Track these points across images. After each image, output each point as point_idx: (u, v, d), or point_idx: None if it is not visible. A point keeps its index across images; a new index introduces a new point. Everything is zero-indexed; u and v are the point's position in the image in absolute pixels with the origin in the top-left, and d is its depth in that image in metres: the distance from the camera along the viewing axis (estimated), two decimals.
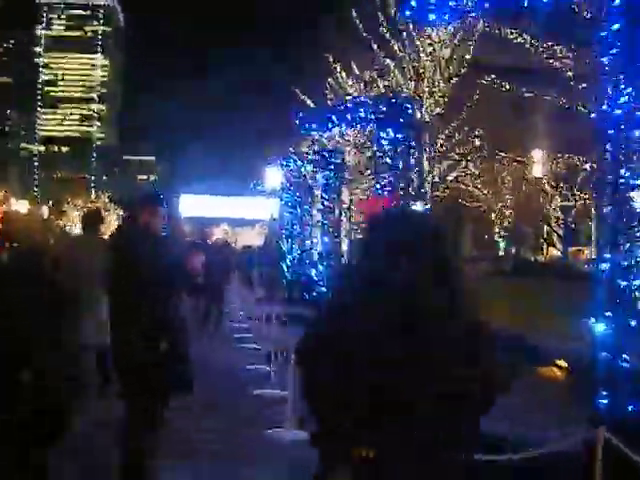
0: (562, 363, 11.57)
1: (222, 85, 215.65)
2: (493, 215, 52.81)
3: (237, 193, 46.03)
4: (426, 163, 28.47)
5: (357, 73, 36.87)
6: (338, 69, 38.17)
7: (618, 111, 5.39)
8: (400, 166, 11.81)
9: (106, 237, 8.07)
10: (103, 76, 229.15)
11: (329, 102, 39.39)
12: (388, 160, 11.77)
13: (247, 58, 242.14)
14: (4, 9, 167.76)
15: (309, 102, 40.19)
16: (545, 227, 52.34)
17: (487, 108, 31.89)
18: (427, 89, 30.25)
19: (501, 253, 56.21)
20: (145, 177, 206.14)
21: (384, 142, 11.83)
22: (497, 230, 55.46)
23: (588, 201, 45.78)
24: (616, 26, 5.36)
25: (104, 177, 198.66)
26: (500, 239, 56.93)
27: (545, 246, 55.35)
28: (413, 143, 12.27)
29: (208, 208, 40.96)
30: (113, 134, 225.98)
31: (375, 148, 12.73)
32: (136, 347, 4.93)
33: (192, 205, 41.14)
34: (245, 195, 44.36)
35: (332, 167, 17.37)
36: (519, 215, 50.42)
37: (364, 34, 30.88)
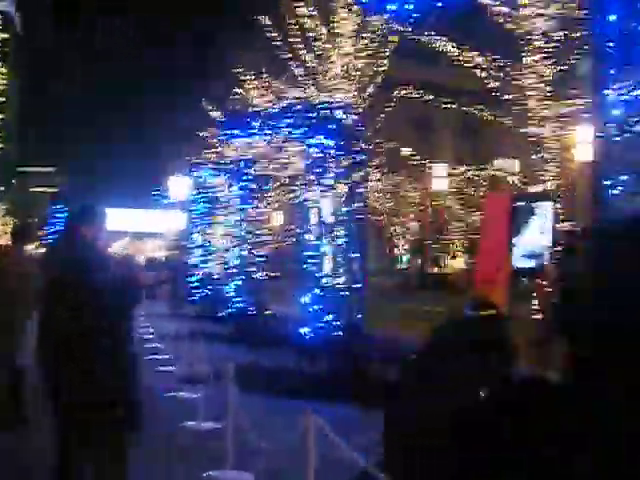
0: None
1: (125, 93, 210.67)
2: (397, 229, 53.13)
3: (141, 205, 44.45)
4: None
5: (266, 83, 36.47)
6: (245, 79, 37.71)
7: None
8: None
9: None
10: (1, 84, 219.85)
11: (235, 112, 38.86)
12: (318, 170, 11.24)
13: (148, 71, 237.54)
14: None
15: (215, 113, 39.60)
16: (447, 240, 53.20)
17: (394, 124, 31.84)
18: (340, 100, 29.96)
19: (404, 266, 56.77)
20: (42, 189, 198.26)
21: (313, 150, 11.25)
22: (401, 244, 55.99)
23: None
24: None
25: (1, 188, 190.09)
26: (404, 253, 57.36)
27: (448, 259, 56.22)
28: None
29: (110, 221, 39.50)
30: (11, 144, 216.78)
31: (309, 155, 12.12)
32: (82, 384, 4.36)
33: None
34: (150, 207, 42.87)
35: (248, 177, 16.72)
36: (423, 228, 50.94)
37: (276, 43, 30.32)
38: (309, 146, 11.06)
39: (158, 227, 39.53)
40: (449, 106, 37.28)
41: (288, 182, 29.83)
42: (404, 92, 34.54)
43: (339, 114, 11.44)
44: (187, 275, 22.01)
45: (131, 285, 4.88)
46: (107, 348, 4.45)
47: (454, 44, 17.34)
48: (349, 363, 10.32)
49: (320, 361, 10.54)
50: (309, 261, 11.75)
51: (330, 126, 11.02)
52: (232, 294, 18.53)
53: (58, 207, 35.53)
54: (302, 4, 29.48)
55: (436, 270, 54.99)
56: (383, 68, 29.17)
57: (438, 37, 18.56)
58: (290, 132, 11.36)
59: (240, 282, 17.96)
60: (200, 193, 21.53)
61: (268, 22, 30.42)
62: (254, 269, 18.44)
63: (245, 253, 18.14)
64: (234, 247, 18.08)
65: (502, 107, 17.91)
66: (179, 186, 23.60)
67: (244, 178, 16.24)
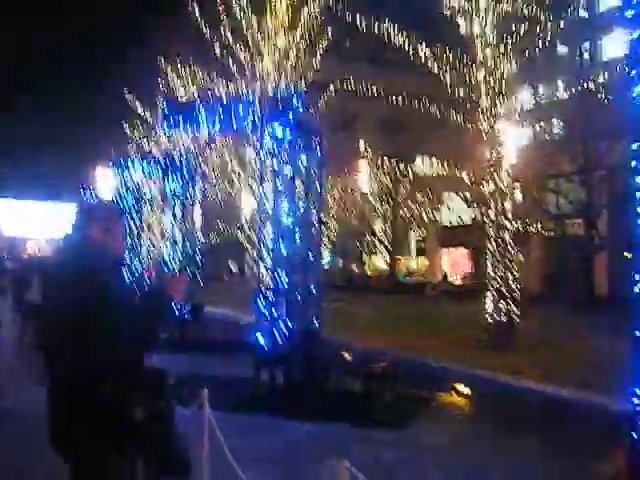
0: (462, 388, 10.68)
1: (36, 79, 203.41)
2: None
3: (57, 199, 41.98)
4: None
5: (190, 75, 35.21)
6: (170, 71, 36.34)
7: None
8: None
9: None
10: None
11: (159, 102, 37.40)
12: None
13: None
14: None
15: (138, 107, 38.02)
16: (369, 239, 53.01)
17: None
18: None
19: (326, 267, 56.26)
20: None
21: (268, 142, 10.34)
22: (324, 243, 55.41)
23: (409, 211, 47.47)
24: None
25: None
26: (325, 252, 56.80)
27: (367, 258, 56.00)
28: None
29: (24, 216, 36.84)
30: None
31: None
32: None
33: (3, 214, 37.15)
34: (68, 201, 40.56)
35: (185, 172, 15.63)
36: (344, 228, 50.34)
37: (206, 35, 28.92)
38: (266, 137, 10.11)
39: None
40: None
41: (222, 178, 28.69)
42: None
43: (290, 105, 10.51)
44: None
45: (165, 302, 3.76)
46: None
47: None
48: (310, 374, 9.64)
49: (277, 371, 9.68)
50: (263, 262, 10.78)
51: (283, 118, 10.12)
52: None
53: None
54: None
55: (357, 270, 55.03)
56: (316, 62, 28.34)
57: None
58: (248, 123, 10.35)
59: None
60: (127, 188, 20.22)
61: (196, 9, 29.03)
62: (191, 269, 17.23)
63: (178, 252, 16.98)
64: (166, 246, 16.88)
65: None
66: (105, 179, 22.00)
67: (183, 173, 15.07)
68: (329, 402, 8.94)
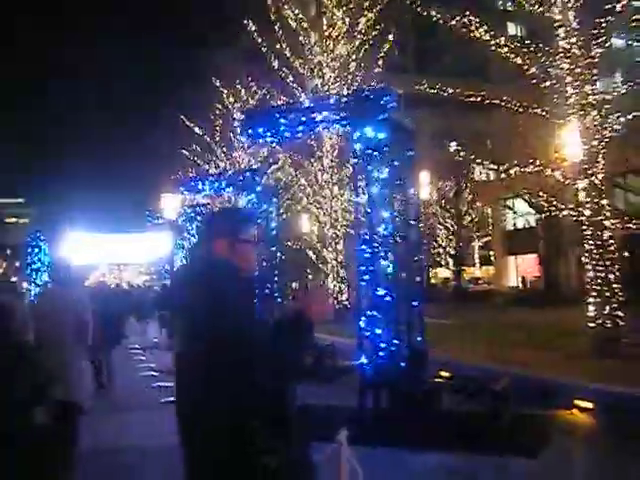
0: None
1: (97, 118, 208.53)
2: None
3: (124, 230, 42.35)
4: None
5: (244, 91, 34.97)
6: (225, 91, 36.21)
7: None
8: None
9: None
10: None
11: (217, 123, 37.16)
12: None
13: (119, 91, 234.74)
14: None
15: (197, 130, 37.89)
16: (435, 249, 51.86)
17: None
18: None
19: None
20: (14, 219, 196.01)
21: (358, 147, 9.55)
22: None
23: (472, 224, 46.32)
24: None
25: None
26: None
27: (430, 268, 54.68)
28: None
29: (92, 248, 37.11)
30: None
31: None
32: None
33: (76, 246, 37.43)
34: (133, 231, 40.79)
35: (258, 188, 14.94)
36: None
37: (264, 49, 28.47)
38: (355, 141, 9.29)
39: (146, 252, 36.90)
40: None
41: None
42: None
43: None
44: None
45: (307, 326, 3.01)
46: None
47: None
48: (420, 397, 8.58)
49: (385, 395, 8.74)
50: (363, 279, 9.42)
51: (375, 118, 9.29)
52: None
53: (36, 235, 33.71)
54: (288, 6, 27.96)
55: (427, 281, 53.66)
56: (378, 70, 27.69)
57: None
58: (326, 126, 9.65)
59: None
60: (193, 209, 19.78)
61: (251, 24, 28.62)
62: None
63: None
64: None
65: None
66: (171, 204, 21.67)
67: (256, 189, 14.37)
68: (446, 427, 8.05)
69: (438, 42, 49.78)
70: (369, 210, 9.29)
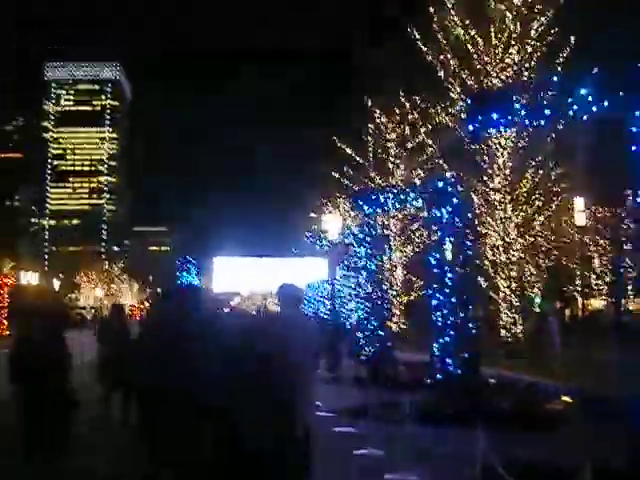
0: None
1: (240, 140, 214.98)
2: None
3: (272, 254, 41.27)
4: None
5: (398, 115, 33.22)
6: (377, 113, 34.65)
7: None
8: None
9: None
10: (111, 149, 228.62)
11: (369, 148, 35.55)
12: None
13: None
14: (13, 86, 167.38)
15: (349, 151, 36.36)
16: (590, 278, 47.97)
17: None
18: None
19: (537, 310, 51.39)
20: (157, 247, 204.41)
21: None
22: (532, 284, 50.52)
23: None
24: None
25: (115, 248, 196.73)
26: (535, 294, 51.73)
27: (580, 298, 50.42)
28: None
29: (240, 273, 36.17)
30: (123, 206, 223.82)
31: None
32: None
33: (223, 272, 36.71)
34: (284, 256, 39.58)
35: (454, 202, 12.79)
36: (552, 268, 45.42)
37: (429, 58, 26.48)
38: None
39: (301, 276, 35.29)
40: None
41: None
42: None
43: None
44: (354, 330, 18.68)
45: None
46: None
47: None
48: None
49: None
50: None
51: None
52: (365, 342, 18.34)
53: (185, 261, 33.13)
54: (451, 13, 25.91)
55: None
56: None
57: None
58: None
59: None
60: (361, 230, 17.92)
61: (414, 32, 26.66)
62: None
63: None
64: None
65: None
66: (334, 225, 20.04)
67: (453, 202, 12.26)
68: None
69: None
70: None
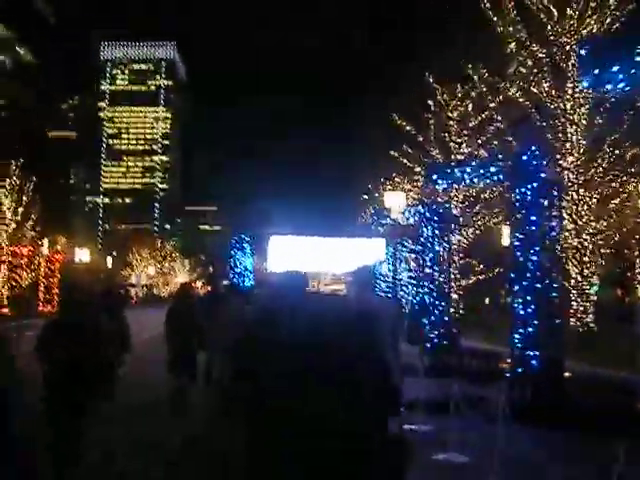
0: None
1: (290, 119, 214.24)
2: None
3: (332, 234, 39.95)
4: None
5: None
6: (439, 90, 33.29)
7: None
8: None
9: None
10: (165, 128, 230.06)
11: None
12: None
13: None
14: (69, 65, 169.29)
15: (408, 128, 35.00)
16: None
17: None
18: None
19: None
20: (208, 227, 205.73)
21: None
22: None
23: None
24: None
25: (167, 226, 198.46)
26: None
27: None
28: None
29: (296, 253, 34.92)
30: (175, 185, 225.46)
31: None
32: None
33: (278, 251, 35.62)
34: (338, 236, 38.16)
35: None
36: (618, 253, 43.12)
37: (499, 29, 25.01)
38: None
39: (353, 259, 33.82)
40: None
41: None
42: None
43: None
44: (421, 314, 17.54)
45: None
46: None
47: None
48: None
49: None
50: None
51: None
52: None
53: (240, 239, 32.16)
54: None
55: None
56: None
57: None
58: None
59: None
60: (429, 208, 16.76)
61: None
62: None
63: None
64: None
65: None
66: (397, 202, 18.86)
67: (540, 177, 11.01)
68: None
69: None
70: None
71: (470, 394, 9.67)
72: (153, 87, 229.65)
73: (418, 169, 33.73)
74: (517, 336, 11.09)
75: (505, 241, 32.64)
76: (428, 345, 16.70)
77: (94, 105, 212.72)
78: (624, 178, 24.39)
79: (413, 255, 23.19)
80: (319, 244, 35.53)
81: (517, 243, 11.20)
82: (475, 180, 11.93)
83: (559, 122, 24.08)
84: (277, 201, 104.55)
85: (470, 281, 34.69)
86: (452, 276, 29.19)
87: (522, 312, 10.94)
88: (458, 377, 13.19)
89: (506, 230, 32.93)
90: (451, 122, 33.59)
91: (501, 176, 11.65)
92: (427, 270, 17.27)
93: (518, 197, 11.33)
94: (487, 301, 56.50)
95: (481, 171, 11.69)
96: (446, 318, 17.42)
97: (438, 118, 34.18)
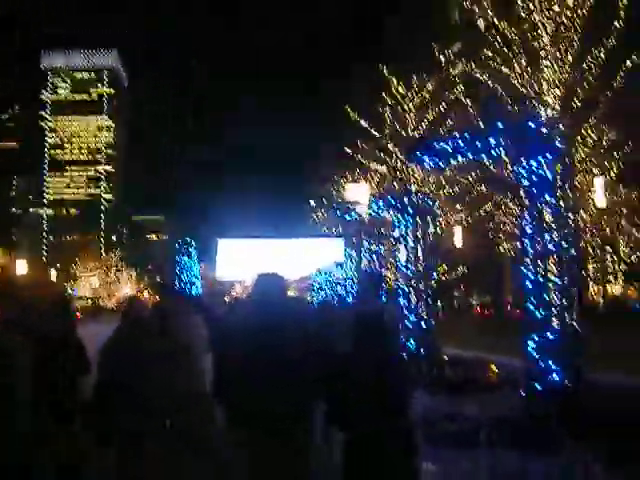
0: None
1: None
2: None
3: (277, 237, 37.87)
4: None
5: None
6: (394, 81, 31.41)
7: None
8: None
9: None
10: (108, 137, 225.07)
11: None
12: None
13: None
14: (9, 76, 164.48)
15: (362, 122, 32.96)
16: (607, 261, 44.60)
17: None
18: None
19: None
20: (155, 236, 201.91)
21: None
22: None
23: None
24: None
25: (113, 238, 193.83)
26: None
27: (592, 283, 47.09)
28: None
29: (245, 258, 32.68)
30: (120, 195, 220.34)
31: None
32: None
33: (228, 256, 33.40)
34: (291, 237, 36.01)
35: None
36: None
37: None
38: None
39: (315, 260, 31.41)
40: None
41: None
42: None
43: None
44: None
45: None
46: None
47: None
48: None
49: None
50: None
51: None
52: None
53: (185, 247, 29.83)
54: None
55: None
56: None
57: None
58: None
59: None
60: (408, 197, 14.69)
61: None
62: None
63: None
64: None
65: None
66: (361, 195, 16.75)
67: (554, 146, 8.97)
68: None
69: None
70: None
71: (455, 411, 8.98)
72: (95, 96, 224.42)
73: (373, 165, 32.06)
74: (531, 344, 8.95)
75: (458, 242, 31.21)
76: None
77: (35, 115, 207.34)
78: None
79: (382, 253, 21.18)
80: (271, 246, 33.33)
81: (529, 230, 9.06)
82: (470, 155, 9.76)
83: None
84: (228, 207, 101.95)
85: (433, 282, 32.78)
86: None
87: (538, 315, 8.80)
88: (447, 389, 11.67)
89: (458, 230, 31.48)
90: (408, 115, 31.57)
91: (501, 150, 9.49)
92: (402, 270, 15.16)
93: (525, 174, 9.24)
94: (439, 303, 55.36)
95: (477, 144, 9.53)
96: (423, 324, 15.36)
97: (394, 111, 32.22)
